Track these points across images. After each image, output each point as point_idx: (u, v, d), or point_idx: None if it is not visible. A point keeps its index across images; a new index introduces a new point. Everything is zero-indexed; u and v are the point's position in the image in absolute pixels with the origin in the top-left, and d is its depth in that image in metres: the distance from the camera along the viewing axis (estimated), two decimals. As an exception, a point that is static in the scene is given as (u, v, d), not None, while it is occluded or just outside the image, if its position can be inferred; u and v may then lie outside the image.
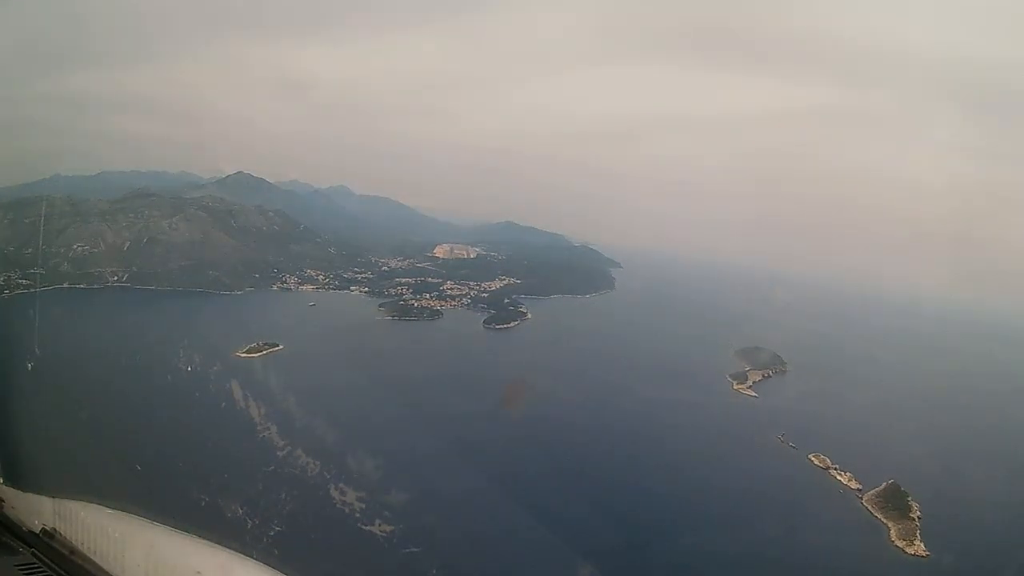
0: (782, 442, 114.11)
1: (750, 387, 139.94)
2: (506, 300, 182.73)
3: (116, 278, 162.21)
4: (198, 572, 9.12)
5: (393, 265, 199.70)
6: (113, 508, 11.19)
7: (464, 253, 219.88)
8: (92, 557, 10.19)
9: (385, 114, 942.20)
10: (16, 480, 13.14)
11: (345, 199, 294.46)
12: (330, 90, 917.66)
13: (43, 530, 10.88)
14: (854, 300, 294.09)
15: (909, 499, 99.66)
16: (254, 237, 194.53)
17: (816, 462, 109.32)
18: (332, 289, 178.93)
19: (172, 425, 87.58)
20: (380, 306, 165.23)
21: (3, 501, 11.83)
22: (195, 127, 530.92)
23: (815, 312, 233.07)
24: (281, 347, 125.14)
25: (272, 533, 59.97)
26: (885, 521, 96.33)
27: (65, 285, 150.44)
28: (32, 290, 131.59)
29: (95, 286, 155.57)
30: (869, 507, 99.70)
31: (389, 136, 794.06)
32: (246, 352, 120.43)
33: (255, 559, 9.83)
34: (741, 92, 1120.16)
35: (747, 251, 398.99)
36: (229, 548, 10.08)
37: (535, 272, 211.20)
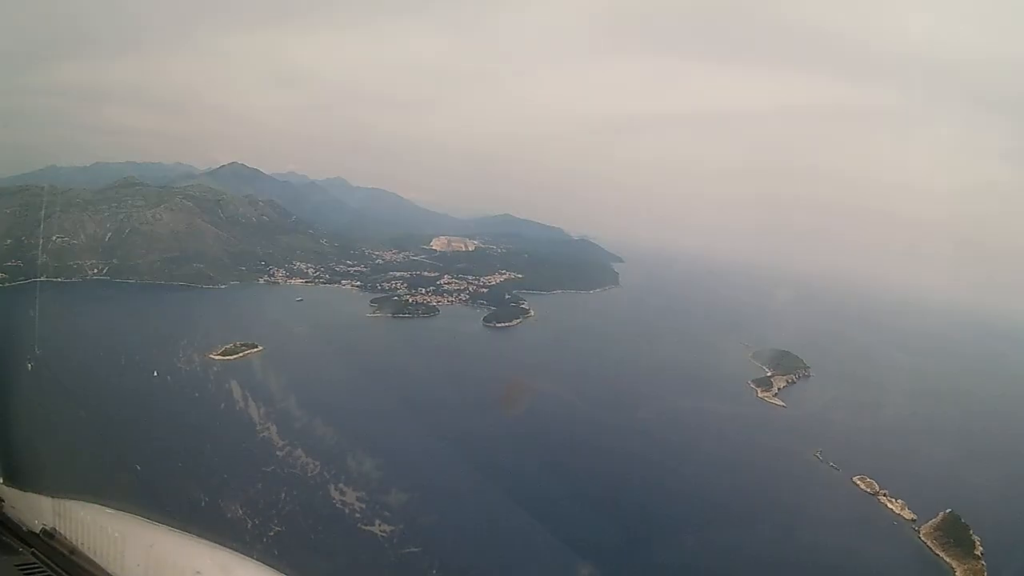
0: (820, 460, 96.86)
1: (775, 395, 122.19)
2: (507, 296, 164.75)
3: (95, 271, 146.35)
4: (198, 572, 8.64)
5: (388, 258, 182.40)
6: (113, 508, 10.45)
7: (462, 246, 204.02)
8: (92, 557, 9.69)
9: (385, 106, 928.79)
10: (16, 480, 12.06)
11: (342, 191, 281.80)
12: (330, 82, 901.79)
13: (43, 530, 10.33)
14: (860, 298, 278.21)
15: (971, 532, 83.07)
16: (242, 228, 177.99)
17: (862, 486, 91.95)
18: (322, 283, 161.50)
19: (129, 439, 70.72)
20: (372, 302, 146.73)
21: (3, 501, 11.12)
22: (193, 119, 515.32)
23: (824, 310, 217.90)
24: (260, 348, 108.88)
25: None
26: (948, 560, 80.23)
27: (42, 278, 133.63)
28: (5, 284, 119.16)
29: (73, 279, 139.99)
30: (928, 543, 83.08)
31: (389, 128, 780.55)
32: (222, 354, 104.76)
33: (255, 559, 9.15)
34: (745, 88, 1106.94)
35: (749, 247, 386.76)
36: (229, 548, 9.35)
37: (536, 266, 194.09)
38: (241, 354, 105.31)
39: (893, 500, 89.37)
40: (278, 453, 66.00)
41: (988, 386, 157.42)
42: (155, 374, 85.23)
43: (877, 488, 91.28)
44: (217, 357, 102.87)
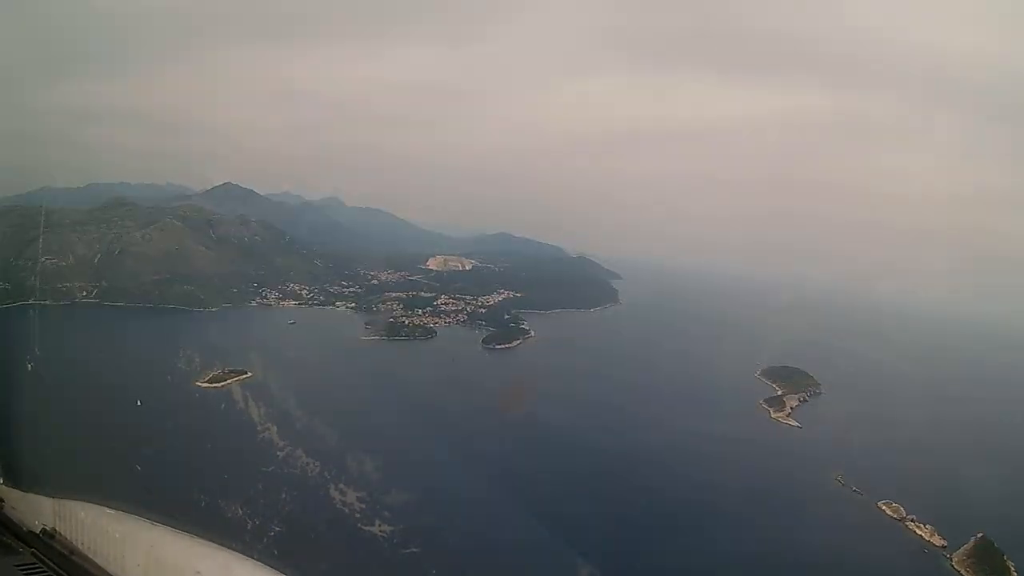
0: (842, 485, 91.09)
1: (788, 415, 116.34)
2: (506, 316, 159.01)
3: (84, 294, 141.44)
4: (198, 572, 8.26)
5: (383, 278, 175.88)
6: (113, 508, 10.21)
7: (459, 265, 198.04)
8: (92, 557, 9.50)
9: (381, 125, 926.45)
10: (16, 480, 12.01)
11: (337, 211, 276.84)
12: (325, 101, 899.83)
13: (43, 530, 10.22)
14: (861, 311, 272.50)
15: (1004, 558, 77.90)
16: (234, 249, 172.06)
17: (888, 512, 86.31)
18: (316, 305, 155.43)
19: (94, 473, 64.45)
20: (367, 324, 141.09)
21: (3, 501, 11.13)
22: (188, 139, 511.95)
23: (826, 324, 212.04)
24: (249, 375, 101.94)
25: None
26: (985, 589, 74.24)
27: (31, 301, 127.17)
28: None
29: (62, 302, 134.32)
30: (962, 571, 78.05)
31: (384, 147, 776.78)
32: (208, 381, 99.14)
33: (255, 559, 8.55)
34: (743, 102, 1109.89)
35: (747, 261, 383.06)
36: (229, 548, 8.97)
37: (535, 285, 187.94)
38: (228, 381, 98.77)
39: (922, 526, 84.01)
40: (261, 484, 62.35)
41: (1001, 397, 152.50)
42: (139, 403, 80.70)
43: (904, 513, 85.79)
44: (203, 384, 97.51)
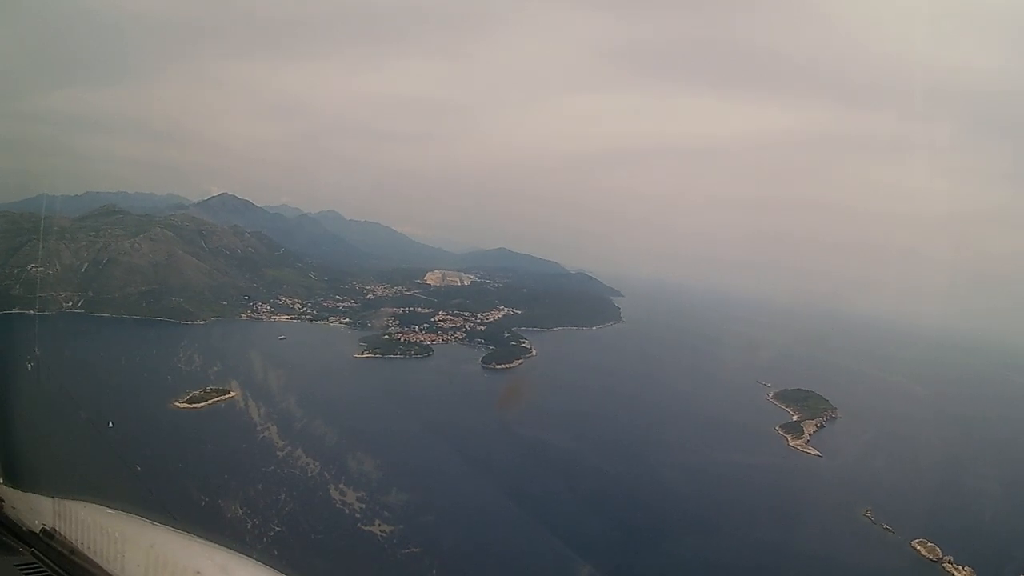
0: (872, 522, 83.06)
1: (807, 442, 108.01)
2: (506, 334, 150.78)
3: (70, 303, 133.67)
4: (198, 572, 8.10)
5: (379, 293, 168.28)
6: (113, 508, 10.08)
7: (457, 280, 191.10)
8: (92, 557, 9.32)
9: (380, 139, 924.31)
10: (16, 480, 11.86)
11: (335, 224, 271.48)
12: (325, 114, 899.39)
13: (43, 530, 10.06)
14: (861, 330, 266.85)
15: (1052, 603, 70.27)
16: (226, 260, 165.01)
17: (923, 551, 78.18)
18: (309, 319, 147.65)
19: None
20: (361, 340, 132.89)
21: (3, 501, 10.87)
22: (187, 150, 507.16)
23: (829, 345, 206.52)
24: (232, 395, 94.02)
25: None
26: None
27: (14, 310, 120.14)
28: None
29: (46, 312, 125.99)
30: (1009, 620, 68.96)
31: (384, 161, 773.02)
32: (187, 401, 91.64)
33: (255, 559, 8.59)
34: (741, 119, 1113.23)
35: (744, 279, 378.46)
36: (229, 548, 8.82)
37: (535, 302, 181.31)
38: (210, 401, 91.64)
39: (960, 568, 75.92)
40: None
41: (1016, 416, 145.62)
42: (111, 424, 73.08)
43: (940, 554, 77.53)
44: (183, 405, 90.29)
